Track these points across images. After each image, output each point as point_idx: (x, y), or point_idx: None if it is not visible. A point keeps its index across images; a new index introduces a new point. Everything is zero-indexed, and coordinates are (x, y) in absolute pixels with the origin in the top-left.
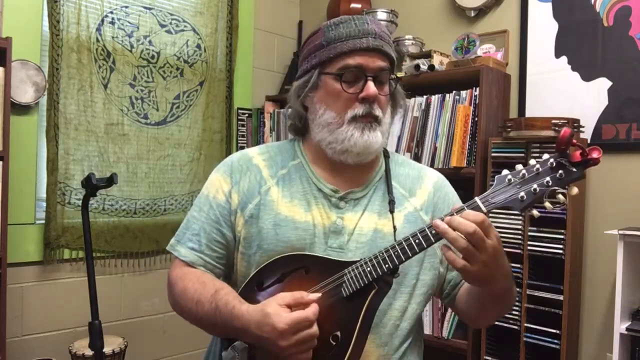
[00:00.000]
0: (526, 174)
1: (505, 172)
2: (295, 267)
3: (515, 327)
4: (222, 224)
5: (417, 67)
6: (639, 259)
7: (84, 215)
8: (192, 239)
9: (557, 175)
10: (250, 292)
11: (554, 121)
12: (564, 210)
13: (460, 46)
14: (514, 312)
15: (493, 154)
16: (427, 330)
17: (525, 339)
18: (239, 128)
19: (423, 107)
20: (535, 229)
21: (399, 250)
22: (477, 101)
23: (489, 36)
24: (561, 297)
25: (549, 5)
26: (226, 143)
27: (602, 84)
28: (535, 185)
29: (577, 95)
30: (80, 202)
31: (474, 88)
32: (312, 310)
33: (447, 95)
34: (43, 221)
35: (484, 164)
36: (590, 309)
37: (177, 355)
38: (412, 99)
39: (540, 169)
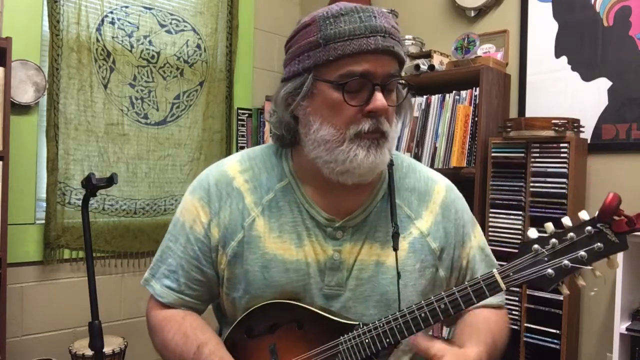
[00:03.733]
0: (557, 244)
1: (532, 233)
2: (288, 319)
3: (515, 327)
4: (202, 261)
5: (417, 67)
6: (639, 259)
7: (84, 215)
8: (169, 275)
9: (595, 248)
10: (240, 338)
11: (554, 121)
12: (564, 210)
13: (460, 46)
14: (514, 312)
15: (493, 154)
16: None
17: (525, 339)
18: (239, 128)
19: (423, 107)
20: (535, 228)
21: (402, 325)
22: (477, 101)
23: (489, 36)
24: (561, 297)
25: (549, 5)
26: (226, 143)
27: (602, 84)
28: (566, 261)
29: (577, 95)
30: (80, 202)
31: (474, 88)
32: None
33: (447, 95)
34: (43, 221)
35: (484, 164)
36: (590, 309)
37: None
38: (412, 99)
39: (575, 238)
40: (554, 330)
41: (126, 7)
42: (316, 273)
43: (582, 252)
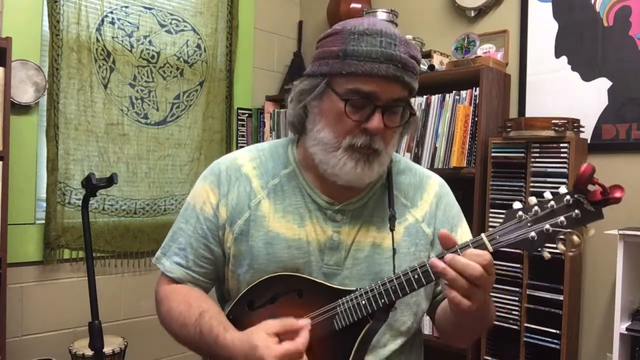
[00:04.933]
0: (539, 211)
1: (517, 205)
2: (288, 289)
3: (515, 327)
4: (210, 239)
5: None
6: (639, 259)
7: (84, 215)
8: (178, 253)
9: (573, 215)
10: (241, 311)
11: (554, 121)
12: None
13: (460, 46)
14: (513, 312)
15: (493, 154)
16: (427, 330)
17: (525, 339)
18: (239, 128)
19: (423, 107)
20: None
21: (397, 285)
22: (477, 101)
23: (489, 36)
24: (561, 297)
25: (549, 5)
26: (226, 143)
27: (602, 84)
28: (547, 225)
29: (577, 95)
30: (80, 202)
31: (474, 88)
32: (302, 340)
33: (447, 95)
34: (43, 221)
35: (484, 164)
36: (590, 309)
37: (176, 355)
38: (412, 99)
39: (555, 207)
40: (554, 330)
41: (126, 7)
42: (316, 251)
43: (561, 218)
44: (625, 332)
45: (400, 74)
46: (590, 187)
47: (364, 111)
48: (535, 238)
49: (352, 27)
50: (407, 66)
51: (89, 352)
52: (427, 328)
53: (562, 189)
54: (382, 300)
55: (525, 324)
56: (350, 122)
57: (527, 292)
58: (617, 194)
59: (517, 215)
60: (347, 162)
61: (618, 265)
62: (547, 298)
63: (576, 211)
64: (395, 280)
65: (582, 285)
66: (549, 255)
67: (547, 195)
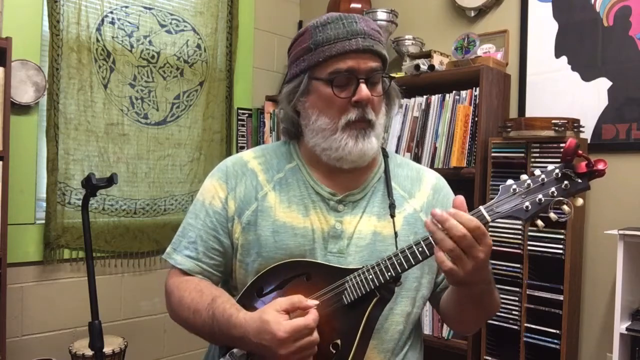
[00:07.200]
0: (531, 184)
1: (510, 181)
2: (296, 274)
3: (515, 327)
4: (219, 231)
5: (417, 67)
6: (639, 259)
7: (84, 215)
8: (188, 246)
9: (563, 186)
10: (250, 298)
11: (554, 121)
12: (564, 210)
13: (460, 46)
14: (513, 312)
15: (493, 154)
16: (427, 330)
17: (525, 339)
18: (239, 128)
19: (423, 107)
20: (535, 229)
21: (402, 259)
22: (477, 101)
23: (489, 36)
24: (561, 297)
25: (549, 5)
26: (226, 143)
27: (602, 84)
28: (540, 196)
29: (577, 95)
30: (80, 202)
31: (474, 88)
32: (312, 317)
33: (447, 95)
34: (43, 221)
35: (484, 164)
36: (590, 309)
37: (177, 355)
38: (412, 99)
39: (546, 180)
40: (554, 330)
41: (126, 7)
42: (320, 240)
43: (552, 189)
44: (625, 332)
45: (368, 44)
46: (577, 161)
47: (349, 87)
48: (529, 207)
49: (314, 23)
50: (373, 36)
51: (89, 352)
52: (427, 328)
53: (550, 166)
54: (389, 273)
55: (525, 324)
56: (340, 101)
57: (527, 292)
58: (601, 166)
59: (512, 189)
60: (348, 141)
61: (618, 265)
62: (547, 298)
63: (565, 182)
64: (400, 255)
65: (582, 285)
66: (542, 224)
67: (537, 172)
